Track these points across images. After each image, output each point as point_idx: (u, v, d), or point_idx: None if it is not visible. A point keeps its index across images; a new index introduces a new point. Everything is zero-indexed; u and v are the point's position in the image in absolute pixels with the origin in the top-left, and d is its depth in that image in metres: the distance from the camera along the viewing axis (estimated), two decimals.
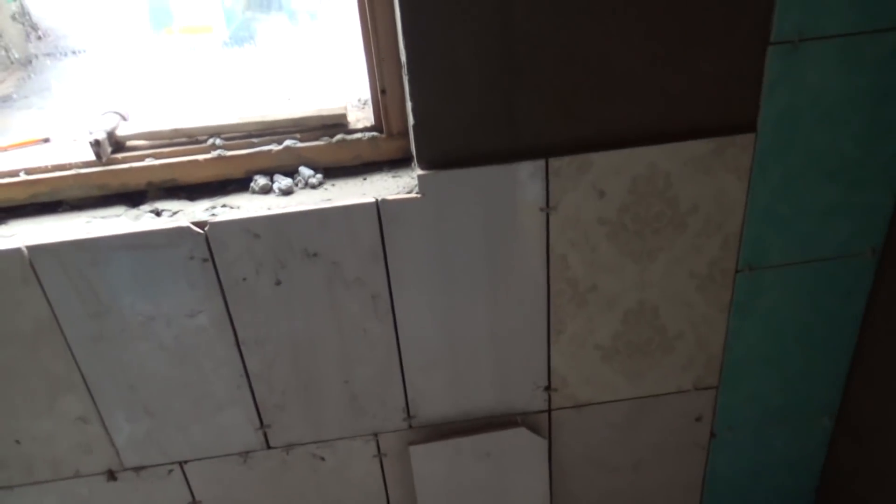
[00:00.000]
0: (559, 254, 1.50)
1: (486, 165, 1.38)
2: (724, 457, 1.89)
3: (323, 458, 1.72)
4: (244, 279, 1.44)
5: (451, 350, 1.59)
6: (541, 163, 1.39)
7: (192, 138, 1.47)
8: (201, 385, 1.56)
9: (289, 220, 1.38)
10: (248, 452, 1.68)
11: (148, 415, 1.59)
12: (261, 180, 1.46)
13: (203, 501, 1.74)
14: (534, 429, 1.74)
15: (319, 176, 1.47)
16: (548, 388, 1.69)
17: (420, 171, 1.38)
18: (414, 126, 1.35)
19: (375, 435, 1.71)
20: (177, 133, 1.46)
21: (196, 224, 1.37)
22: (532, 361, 1.64)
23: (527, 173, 1.39)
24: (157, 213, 1.43)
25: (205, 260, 1.40)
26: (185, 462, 1.67)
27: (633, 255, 1.52)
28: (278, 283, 1.45)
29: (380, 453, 1.73)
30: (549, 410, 1.73)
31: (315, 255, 1.42)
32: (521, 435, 1.71)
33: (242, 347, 1.53)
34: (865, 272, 1.63)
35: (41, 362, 1.48)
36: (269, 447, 1.68)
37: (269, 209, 1.40)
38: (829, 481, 1.95)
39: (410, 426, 1.70)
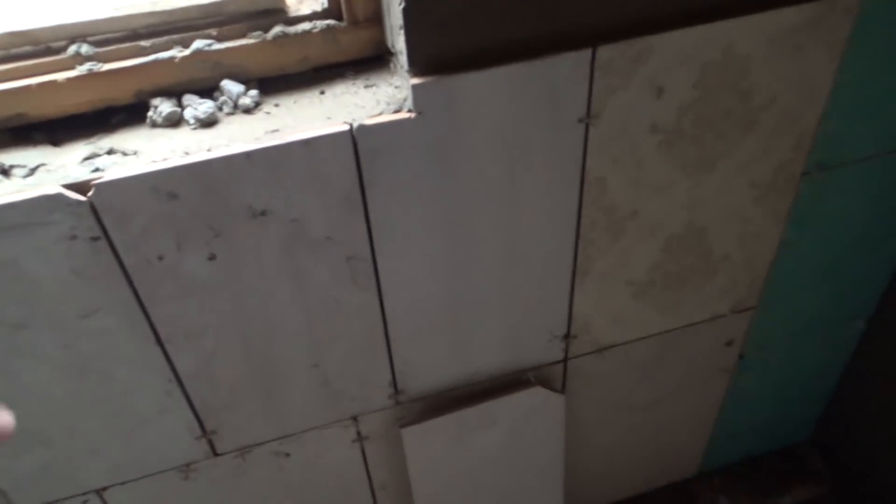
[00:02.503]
0: (596, 176, 1.10)
1: (510, 64, 0.94)
2: (749, 376, 1.64)
3: (288, 454, 1.34)
4: (160, 258, 0.97)
5: (453, 312, 1.21)
6: (586, 54, 0.96)
7: (43, 46, 0.93)
8: (113, 399, 1.11)
9: (220, 169, 0.90)
10: (189, 465, 1.26)
11: (42, 445, 1.13)
12: (163, 106, 0.95)
13: None
14: (547, 384, 1.41)
15: (254, 93, 0.98)
16: (566, 337, 1.34)
17: (414, 80, 0.92)
18: (404, 8, 0.87)
19: (354, 419, 1.33)
20: (15, 40, 0.92)
21: (72, 188, 0.88)
22: (551, 309, 1.28)
23: (566, 70, 0.96)
24: (4, 172, 0.91)
25: (95, 238, 0.92)
26: (104, 489, 1.24)
27: (688, 167, 1.15)
28: (212, 257, 0.99)
29: (360, 438, 1.36)
30: (566, 360, 1.40)
31: (264, 213, 0.96)
32: (536, 395, 1.38)
33: (167, 345, 1.07)
34: None
35: None
36: (216, 454, 1.27)
37: (185, 153, 0.91)
38: (853, 381, 1.76)
39: (397, 402, 1.33)
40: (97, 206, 0.89)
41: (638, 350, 1.44)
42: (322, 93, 1.00)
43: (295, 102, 0.99)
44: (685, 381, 1.57)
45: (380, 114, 0.94)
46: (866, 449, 1.76)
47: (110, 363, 1.06)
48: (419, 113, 0.94)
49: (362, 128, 0.93)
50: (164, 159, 0.90)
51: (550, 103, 0.99)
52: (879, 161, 1.27)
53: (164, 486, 1.28)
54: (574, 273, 1.24)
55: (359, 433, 1.35)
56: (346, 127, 0.92)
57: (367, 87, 1.00)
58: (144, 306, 1.01)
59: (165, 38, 0.95)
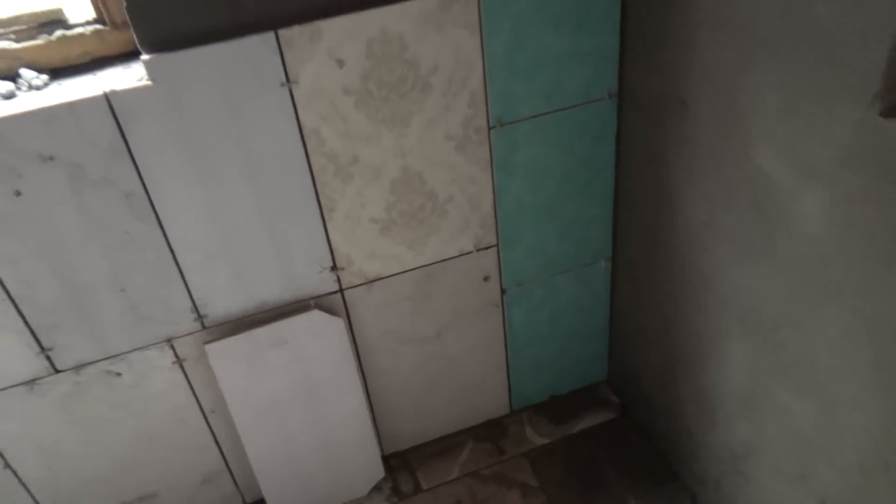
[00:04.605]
0: (311, 128, 1.52)
1: (214, 43, 1.36)
2: (518, 310, 2.02)
3: (119, 374, 1.70)
4: None
5: (225, 242, 1.60)
6: (270, 35, 1.39)
7: None
8: None
9: (10, 124, 1.31)
10: (34, 380, 1.63)
11: None
12: None
13: None
14: (328, 310, 1.78)
15: (44, 77, 1.40)
16: (334, 269, 1.73)
17: (146, 56, 1.34)
18: (127, 7, 1.30)
19: (169, 341, 1.70)
20: None
21: None
22: (312, 243, 1.67)
23: (258, 47, 1.39)
24: None
25: None
26: None
27: (387, 122, 1.56)
28: (18, 193, 1.39)
29: (179, 359, 1.73)
30: (341, 290, 1.78)
31: (51, 158, 1.37)
32: (315, 317, 1.75)
33: None
34: (608, 115, 1.75)
35: None
36: (56, 371, 1.63)
37: None
38: (618, 317, 2.14)
39: (204, 326, 1.70)
40: None
41: (402, 283, 1.82)
42: (95, 75, 1.42)
43: (74, 83, 1.41)
44: (459, 313, 1.94)
45: (128, 84, 1.36)
46: (640, 379, 2.12)
47: None
48: (153, 80, 1.36)
49: (114, 93, 1.35)
50: None
51: (253, 71, 1.41)
52: (550, 118, 1.69)
53: (15, 400, 1.63)
54: (321, 212, 1.63)
55: (176, 355, 1.72)
56: (101, 92, 1.34)
57: (126, 69, 1.42)
58: None
59: None
